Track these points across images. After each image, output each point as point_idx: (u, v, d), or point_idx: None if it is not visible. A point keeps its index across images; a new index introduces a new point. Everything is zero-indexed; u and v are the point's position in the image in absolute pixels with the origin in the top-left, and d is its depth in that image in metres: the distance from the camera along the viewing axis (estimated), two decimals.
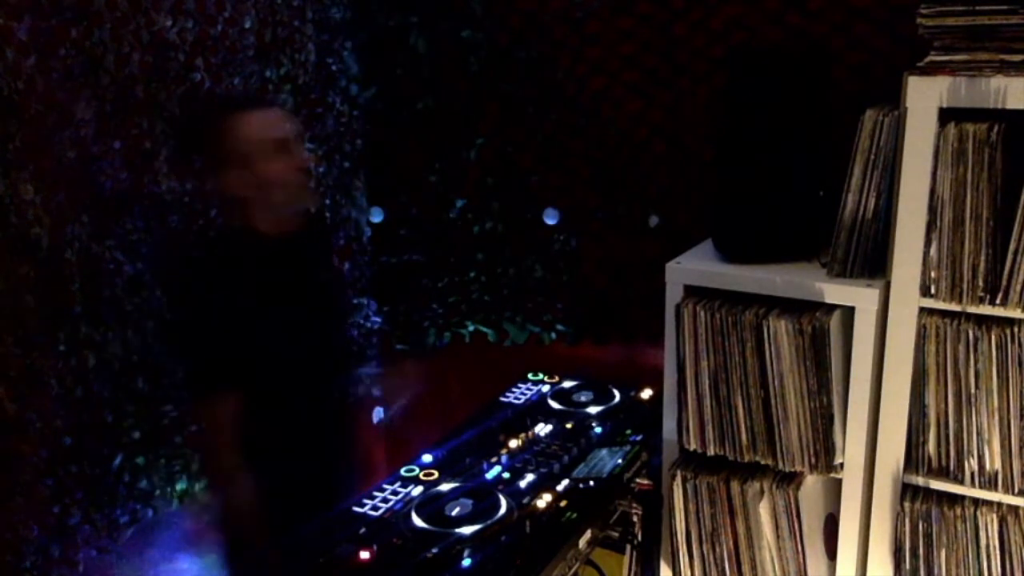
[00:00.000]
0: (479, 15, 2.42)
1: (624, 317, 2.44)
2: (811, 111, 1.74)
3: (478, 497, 1.68)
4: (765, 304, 1.70)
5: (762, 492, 1.73)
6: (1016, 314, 1.52)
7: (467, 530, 1.58)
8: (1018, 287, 1.50)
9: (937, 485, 1.65)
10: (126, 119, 1.91)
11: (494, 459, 1.84)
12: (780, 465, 1.72)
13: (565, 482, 1.74)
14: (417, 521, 1.62)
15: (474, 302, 2.65)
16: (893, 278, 1.61)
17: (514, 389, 2.25)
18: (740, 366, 1.70)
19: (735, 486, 1.75)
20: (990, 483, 1.59)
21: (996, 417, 1.56)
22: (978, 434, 1.59)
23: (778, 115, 1.73)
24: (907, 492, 1.67)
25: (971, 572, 1.63)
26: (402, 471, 1.82)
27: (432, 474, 1.80)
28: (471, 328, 2.69)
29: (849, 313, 1.66)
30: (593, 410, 2.09)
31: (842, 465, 1.71)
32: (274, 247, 1.86)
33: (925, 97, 1.51)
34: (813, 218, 1.77)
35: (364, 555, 1.51)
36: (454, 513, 1.64)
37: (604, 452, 1.86)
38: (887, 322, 1.63)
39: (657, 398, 1.99)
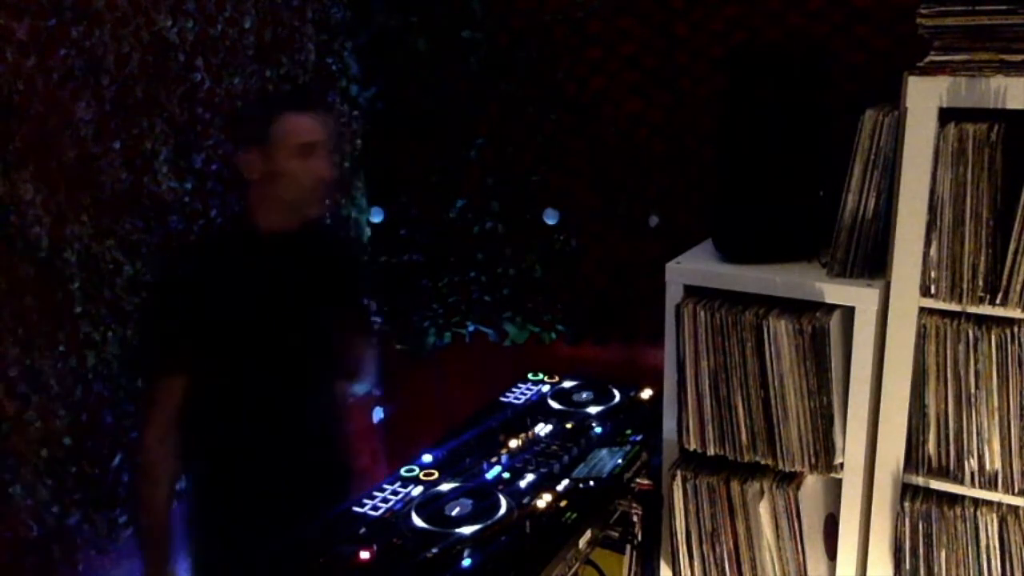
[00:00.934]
0: (479, 15, 2.42)
1: (624, 317, 2.44)
2: (811, 111, 1.74)
3: (478, 497, 1.68)
4: (765, 304, 1.70)
5: (762, 492, 1.73)
6: (1016, 314, 1.52)
7: (467, 530, 1.58)
8: (1018, 287, 1.50)
9: (937, 485, 1.65)
10: (126, 119, 1.91)
11: (494, 459, 1.84)
12: (780, 465, 1.72)
13: (565, 482, 1.74)
14: (417, 521, 1.62)
15: (474, 302, 2.65)
16: (893, 278, 1.61)
17: (514, 389, 2.25)
18: (740, 366, 1.70)
19: (735, 486, 1.75)
20: (990, 483, 1.59)
21: (996, 417, 1.56)
22: (978, 434, 1.59)
23: (778, 115, 1.73)
24: (907, 492, 1.67)
25: (971, 572, 1.63)
26: (402, 471, 1.82)
27: (432, 474, 1.80)
28: (471, 328, 2.69)
29: (849, 313, 1.66)
30: (593, 410, 2.09)
31: (842, 465, 1.71)
32: (272, 243, 1.87)
33: (925, 97, 1.51)
34: (813, 218, 1.77)
35: (364, 555, 1.51)
36: (454, 513, 1.64)
37: (604, 452, 1.86)
38: (887, 322, 1.63)
39: (657, 398, 1.99)
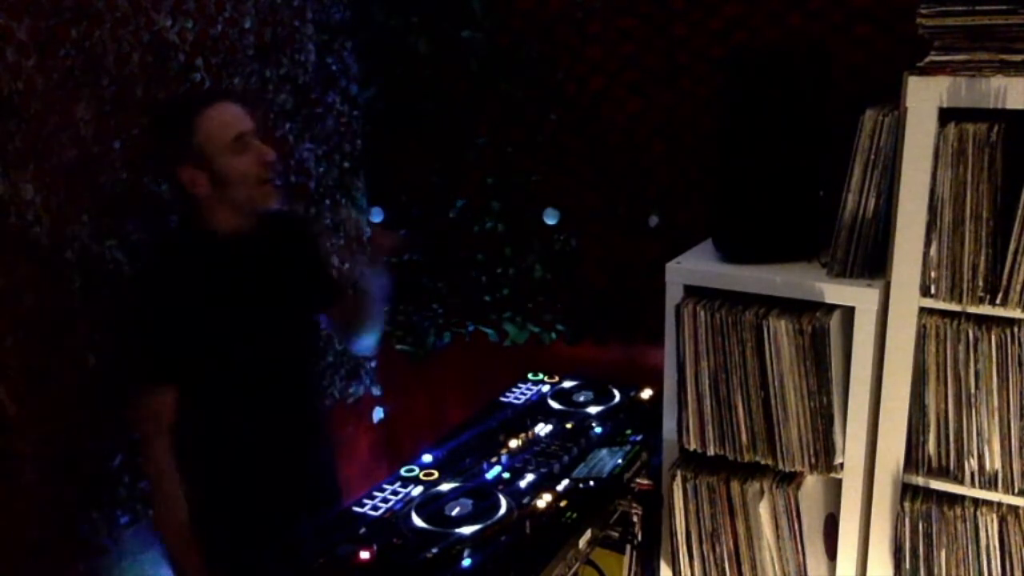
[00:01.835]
0: (479, 15, 2.42)
1: (624, 317, 2.44)
2: (811, 111, 1.74)
3: (478, 497, 1.68)
4: (765, 304, 1.70)
5: (762, 492, 1.73)
6: (1016, 314, 1.52)
7: (467, 530, 1.58)
8: (1018, 287, 1.50)
9: (937, 485, 1.65)
10: (126, 119, 1.91)
11: (494, 459, 1.85)
12: (780, 465, 1.72)
13: (565, 482, 1.74)
14: (417, 521, 1.62)
15: (474, 302, 2.65)
16: (893, 278, 1.61)
17: (514, 389, 2.26)
18: (740, 366, 1.70)
19: (735, 486, 1.75)
20: (990, 483, 1.59)
21: (996, 417, 1.56)
22: (978, 434, 1.59)
23: (778, 115, 1.73)
24: (907, 492, 1.67)
25: (971, 572, 1.63)
26: (402, 471, 1.82)
27: (432, 474, 1.80)
28: (471, 328, 2.69)
29: (849, 313, 1.66)
30: (593, 410, 2.10)
31: (842, 465, 1.71)
32: (232, 248, 1.81)
33: (925, 97, 1.51)
34: (813, 218, 1.77)
35: (364, 555, 1.51)
36: (454, 513, 1.64)
37: (604, 452, 1.87)
38: (887, 322, 1.63)
39: (657, 398, 1.99)
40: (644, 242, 2.34)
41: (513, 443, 1.90)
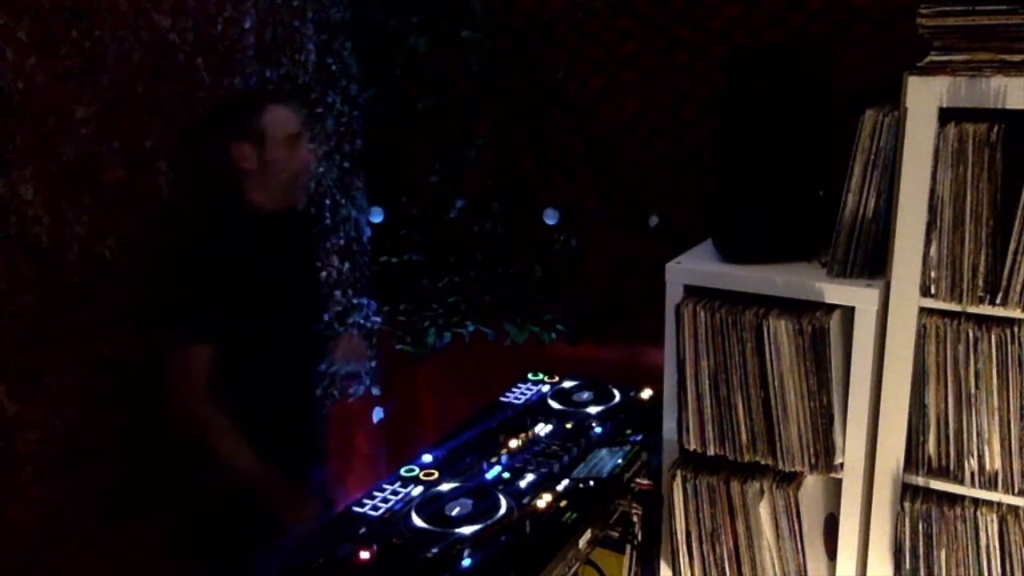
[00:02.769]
0: (479, 15, 2.42)
1: (624, 317, 2.44)
2: (811, 111, 1.74)
3: (478, 497, 1.68)
4: (765, 304, 1.70)
5: (762, 492, 1.73)
6: (1016, 314, 1.52)
7: (467, 530, 1.58)
8: (1018, 287, 1.50)
9: (937, 485, 1.65)
10: (126, 119, 1.91)
11: (494, 459, 1.85)
12: (780, 465, 1.72)
13: (565, 482, 1.74)
14: (417, 521, 1.62)
15: (474, 302, 2.65)
16: (893, 278, 1.61)
17: (514, 389, 2.26)
18: (740, 366, 1.70)
19: (735, 486, 1.75)
20: (990, 483, 1.59)
21: (996, 417, 1.56)
22: (978, 434, 1.59)
23: (778, 115, 1.73)
24: (907, 492, 1.67)
25: (971, 572, 1.63)
26: (402, 471, 1.82)
27: (432, 474, 1.80)
28: (471, 328, 2.69)
29: (849, 313, 1.66)
30: (593, 410, 2.10)
31: (842, 465, 1.71)
32: (265, 222, 2.02)
33: (925, 97, 1.51)
34: (813, 218, 1.77)
35: (364, 555, 1.52)
36: (454, 513, 1.64)
37: (604, 452, 1.87)
38: (887, 322, 1.63)
39: (657, 398, 1.99)
40: (644, 242, 2.34)
41: (513, 443, 1.90)
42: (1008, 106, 1.46)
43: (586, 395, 2.17)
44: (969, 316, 1.58)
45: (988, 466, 1.59)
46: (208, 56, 2.10)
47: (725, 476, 1.77)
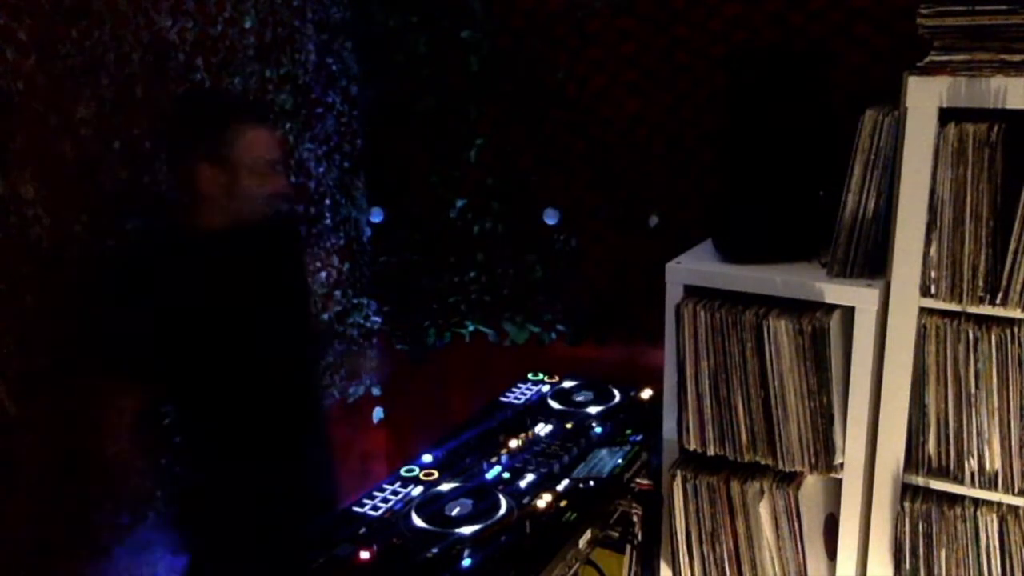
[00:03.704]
0: (479, 15, 2.42)
1: (624, 317, 2.44)
2: (811, 111, 1.74)
3: (478, 497, 1.68)
4: (765, 304, 1.70)
5: (762, 492, 1.73)
6: (1016, 314, 1.52)
7: (467, 530, 1.58)
8: (1018, 287, 1.50)
9: (937, 485, 1.65)
10: (126, 119, 1.91)
11: (494, 459, 1.85)
12: (780, 465, 1.72)
13: (565, 482, 1.74)
14: (417, 521, 1.62)
15: (474, 302, 2.65)
16: (893, 278, 1.61)
17: (514, 389, 2.25)
18: (740, 366, 1.70)
19: (735, 486, 1.75)
20: (990, 483, 1.59)
21: (996, 417, 1.56)
22: (978, 434, 1.59)
23: (778, 115, 1.73)
24: (907, 492, 1.67)
25: (971, 572, 1.63)
26: (402, 471, 1.82)
27: (432, 474, 1.80)
28: (471, 328, 2.69)
29: (849, 313, 1.66)
30: (593, 410, 2.09)
31: (842, 465, 1.71)
32: (223, 246, 1.83)
33: (925, 97, 1.51)
34: (813, 218, 1.77)
35: (364, 555, 1.51)
36: (454, 513, 1.64)
37: (604, 452, 1.87)
38: (887, 322, 1.63)
39: (657, 398, 1.99)
40: (644, 242, 2.34)
41: (513, 443, 1.90)
42: (1008, 106, 1.46)
43: (586, 395, 2.17)
44: (969, 316, 1.58)
45: (988, 466, 1.59)
46: (208, 56, 2.10)
47: (725, 476, 1.77)
